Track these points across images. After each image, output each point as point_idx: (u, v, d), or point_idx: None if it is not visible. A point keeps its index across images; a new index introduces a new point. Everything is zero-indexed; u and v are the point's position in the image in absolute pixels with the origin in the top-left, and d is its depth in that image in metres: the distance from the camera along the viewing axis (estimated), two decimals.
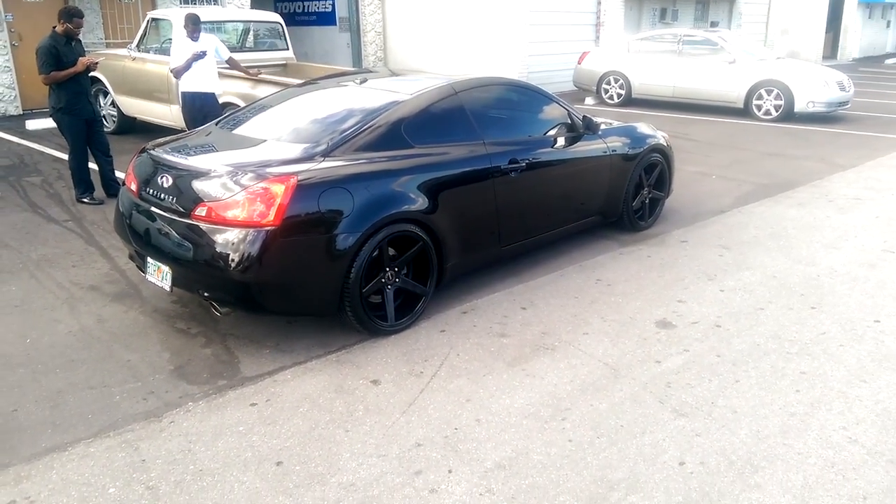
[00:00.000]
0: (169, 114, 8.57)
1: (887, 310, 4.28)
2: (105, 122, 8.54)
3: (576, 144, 5.00)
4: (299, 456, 2.85)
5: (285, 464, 2.80)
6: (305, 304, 3.69)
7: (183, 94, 7.29)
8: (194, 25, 7.14)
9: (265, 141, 4.00)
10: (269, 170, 3.54)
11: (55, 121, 6.32)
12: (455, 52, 14.70)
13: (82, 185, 6.41)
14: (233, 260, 3.42)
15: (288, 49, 9.63)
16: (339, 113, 4.19)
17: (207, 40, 7.29)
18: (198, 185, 3.60)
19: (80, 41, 6.34)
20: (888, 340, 3.88)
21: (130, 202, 3.96)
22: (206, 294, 3.71)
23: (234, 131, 4.25)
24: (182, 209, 3.61)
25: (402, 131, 4.03)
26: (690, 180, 7.55)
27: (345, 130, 3.91)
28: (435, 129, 4.24)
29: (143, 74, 8.74)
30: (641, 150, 5.53)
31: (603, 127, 5.37)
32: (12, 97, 11.26)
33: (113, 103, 9.37)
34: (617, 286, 4.64)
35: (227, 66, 7.72)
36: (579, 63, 13.63)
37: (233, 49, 9.42)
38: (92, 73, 8.95)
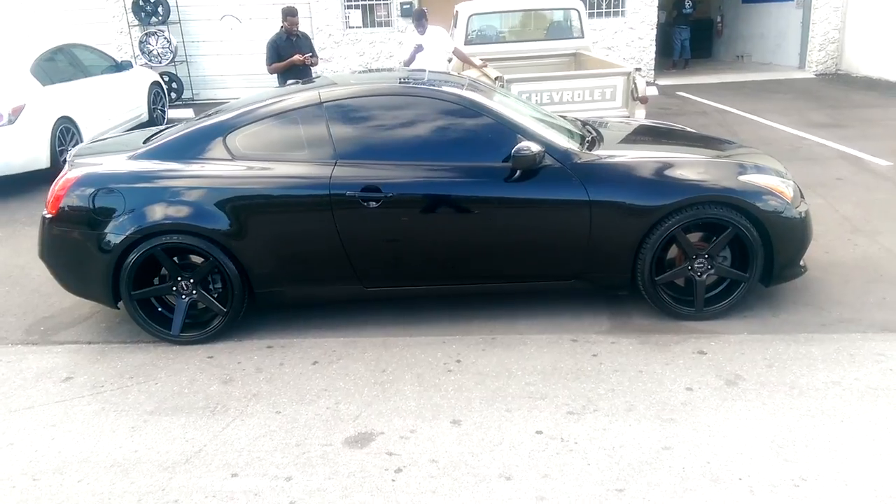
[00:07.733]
0: None
1: None
2: None
3: (515, 178, 3.69)
4: None
5: None
6: (88, 292, 3.98)
7: None
8: (418, 19, 7.43)
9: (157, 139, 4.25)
10: (80, 165, 3.90)
11: None
12: None
13: None
14: (39, 239, 3.98)
15: (583, 37, 8.87)
16: (210, 118, 4.12)
17: (432, 33, 7.49)
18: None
19: (305, 37, 7.39)
20: None
21: None
22: None
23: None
24: None
25: (224, 142, 3.81)
26: None
27: (169, 135, 3.93)
28: (274, 143, 3.84)
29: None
30: (671, 202, 3.65)
31: (597, 156, 3.82)
32: None
33: None
34: (460, 375, 3.41)
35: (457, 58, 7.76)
36: None
37: (519, 38, 9.26)
38: None
